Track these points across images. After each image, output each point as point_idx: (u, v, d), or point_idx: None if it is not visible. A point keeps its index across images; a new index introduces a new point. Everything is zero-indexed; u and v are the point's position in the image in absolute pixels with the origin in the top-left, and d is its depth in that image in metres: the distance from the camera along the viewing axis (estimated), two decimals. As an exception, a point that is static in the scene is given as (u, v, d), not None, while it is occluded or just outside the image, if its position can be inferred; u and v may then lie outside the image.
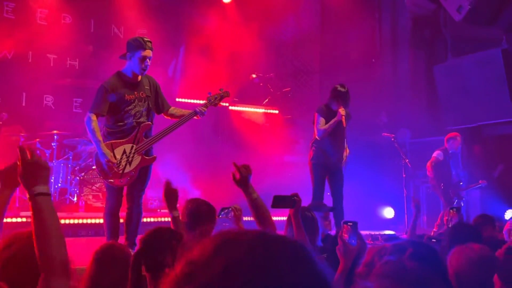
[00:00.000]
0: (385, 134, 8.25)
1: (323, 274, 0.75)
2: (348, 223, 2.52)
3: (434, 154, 7.84)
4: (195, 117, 4.73)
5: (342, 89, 5.96)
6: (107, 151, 4.43)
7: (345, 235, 2.49)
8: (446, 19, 9.65)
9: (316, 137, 6.03)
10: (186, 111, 4.81)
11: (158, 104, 4.76)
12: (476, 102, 9.02)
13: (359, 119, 9.20)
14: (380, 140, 8.88)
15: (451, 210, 4.42)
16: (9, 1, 8.24)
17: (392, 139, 7.97)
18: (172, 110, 4.83)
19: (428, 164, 7.85)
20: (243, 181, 2.81)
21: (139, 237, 3.10)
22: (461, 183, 7.93)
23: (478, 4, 8.18)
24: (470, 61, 9.19)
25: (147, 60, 4.52)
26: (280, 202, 2.94)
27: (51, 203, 1.68)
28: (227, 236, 0.77)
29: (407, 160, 7.98)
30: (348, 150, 6.23)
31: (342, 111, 5.85)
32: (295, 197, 3.02)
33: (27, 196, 1.67)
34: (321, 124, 5.99)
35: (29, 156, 1.68)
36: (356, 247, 2.45)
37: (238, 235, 0.78)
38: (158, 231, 2.34)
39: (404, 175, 8.11)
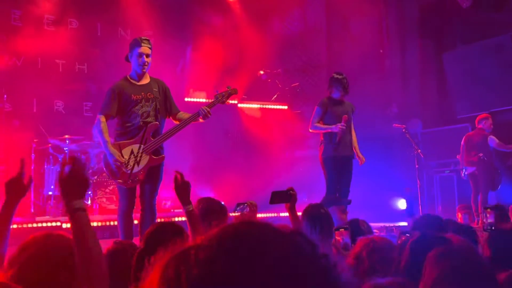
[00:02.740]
0: (396, 125, 8.19)
1: (322, 265, 0.74)
2: (340, 229, 2.59)
3: (494, 139, 7.72)
4: (199, 119, 4.64)
5: (339, 76, 6.08)
6: (114, 151, 4.47)
7: (339, 238, 2.62)
8: (453, 6, 9.55)
9: (309, 129, 6.15)
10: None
11: (166, 107, 4.76)
12: (487, 89, 8.93)
13: (369, 111, 9.17)
14: (391, 131, 8.82)
15: (487, 209, 3.93)
16: (16, 9, 8.30)
17: (403, 130, 7.91)
18: (180, 114, 4.80)
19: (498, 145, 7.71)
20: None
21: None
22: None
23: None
24: (479, 48, 9.10)
25: (144, 56, 4.54)
26: (277, 197, 2.95)
27: (88, 218, 1.75)
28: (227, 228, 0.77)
29: (420, 151, 7.91)
30: (360, 154, 6.19)
31: (341, 125, 5.85)
32: (290, 191, 3.03)
33: (65, 209, 1.74)
34: (316, 120, 6.06)
35: (71, 169, 1.73)
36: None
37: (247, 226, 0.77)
38: (160, 227, 2.34)
39: (416, 166, 8.05)
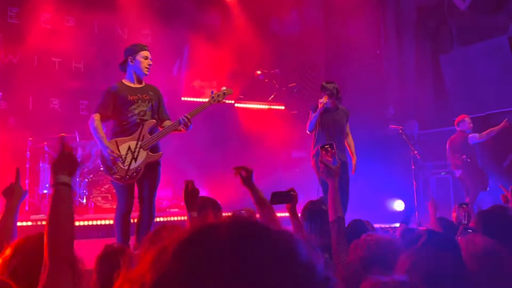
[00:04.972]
0: (393, 126, 8.20)
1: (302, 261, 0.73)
2: (326, 146, 2.65)
3: (474, 135, 7.69)
4: (181, 129, 4.58)
5: (326, 84, 6.09)
6: (109, 144, 4.47)
7: (329, 158, 2.68)
8: (450, 8, 9.57)
9: (307, 131, 6.14)
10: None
11: (158, 113, 4.74)
12: (484, 91, 8.95)
13: (366, 112, 9.17)
14: (388, 132, 8.83)
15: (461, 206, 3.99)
16: (13, 6, 8.26)
17: (400, 131, 7.92)
18: (166, 123, 4.75)
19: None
20: (247, 180, 2.79)
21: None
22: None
23: (483, -9, 8.10)
24: (477, 50, 9.12)
25: (149, 59, 4.66)
26: (278, 198, 2.92)
27: (71, 196, 1.74)
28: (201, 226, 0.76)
29: (416, 152, 7.93)
30: (355, 157, 6.20)
31: (322, 100, 5.93)
32: (291, 192, 3.01)
33: (51, 182, 1.77)
34: (310, 118, 6.10)
35: (66, 148, 1.81)
36: (338, 166, 2.66)
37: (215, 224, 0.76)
38: (161, 228, 2.33)
39: (413, 167, 8.06)
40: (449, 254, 1.72)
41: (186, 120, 4.53)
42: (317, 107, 6.03)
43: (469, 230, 3.13)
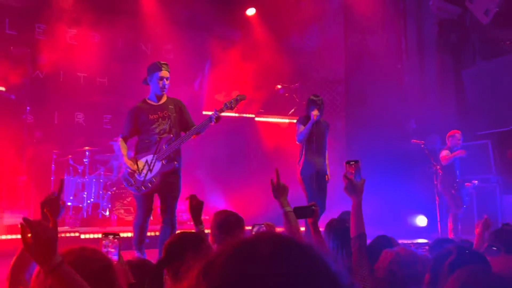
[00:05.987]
0: (415, 140, 8.14)
1: (332, 273, 0.79)
2: (351, 162, 2.65)
3: (442, 154, 7.82)
4: (211, 123, 4.82)
5: (315, 98, 6.29)
6: (128, 161, 4.83)
7: (353, 172, 2.65)
8: (472, 22, 9.52)
9: (296, 142, 6.31)
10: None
11: (182, 123, 4.99)
12: (507, 105, 8.84)
13: (387, 126, 9.13)
14: (409, 147, 8.76)
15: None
16: (41, 23, 8.50)
17: (422, 145, 7.86)
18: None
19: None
20: (280, 191, 2.82)
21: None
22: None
23: (506, 6, 8.04)
24: (499, 64, 9.03)
25: (164, 80, 4.86)
26: (299, 212, 2.96)
27: (69, 269, 1.59)
28: (246, 241, 0.82)
29: (438, 167, 7.84)
30: (328, 169, 6.33)
31: (315, 112, 6.11)
32: (313, 207, 3.05)
33: (43, 270, 1.57)
34: (300, 130, 6.27)
35: (33, 234, 1.57)
36: (362, 183, 2.60)
37: (257, 241, 0.81)
38: (181, 237, 2.36)
39: (435, 182, 7.97)
40: (480, 273, 1.72)
41: (216, 116, 4.79)
42: (306, 119, 6.24)
43: (493, 248, 3.07)
